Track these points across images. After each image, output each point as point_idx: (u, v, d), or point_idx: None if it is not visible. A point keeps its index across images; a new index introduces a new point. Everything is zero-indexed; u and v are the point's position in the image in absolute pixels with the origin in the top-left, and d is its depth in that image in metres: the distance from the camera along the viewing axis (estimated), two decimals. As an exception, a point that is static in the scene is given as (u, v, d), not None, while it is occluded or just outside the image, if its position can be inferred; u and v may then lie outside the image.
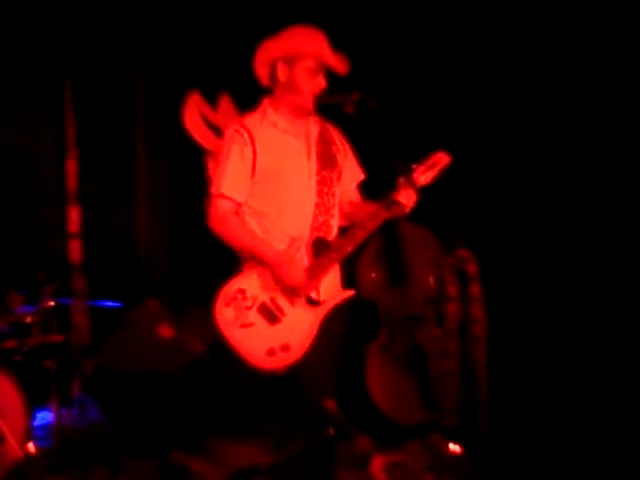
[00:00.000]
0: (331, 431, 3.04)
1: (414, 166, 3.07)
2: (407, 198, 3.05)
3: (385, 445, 3.89)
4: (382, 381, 4.43)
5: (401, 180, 3.06)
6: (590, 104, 4.19)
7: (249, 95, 3.33)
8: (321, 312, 3.03)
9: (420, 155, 3.14)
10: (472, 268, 3.48)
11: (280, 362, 2.98)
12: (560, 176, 4.30)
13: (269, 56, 3.11)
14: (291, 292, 3.00)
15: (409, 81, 4.70)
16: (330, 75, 3.15)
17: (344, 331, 3.24)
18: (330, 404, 3.07)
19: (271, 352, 2.96)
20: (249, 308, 2.99)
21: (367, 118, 3.04)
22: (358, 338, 4.45)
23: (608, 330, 4.11)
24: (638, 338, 4.03)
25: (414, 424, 4.25)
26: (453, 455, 3.62)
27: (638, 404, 3.94)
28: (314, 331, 3.00)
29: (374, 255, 4.51)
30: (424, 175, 3.04)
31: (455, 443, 3.63)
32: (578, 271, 4.25)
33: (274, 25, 3.23)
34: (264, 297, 3.01)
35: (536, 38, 4.33)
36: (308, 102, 3.09)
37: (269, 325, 2.99)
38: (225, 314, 2.98)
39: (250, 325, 2.98)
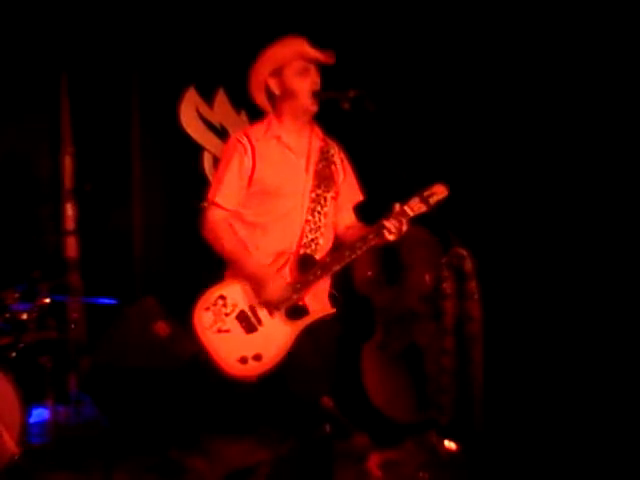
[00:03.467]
0: (328, 429, 3.05)
1: (410, 199, 3.04)
2: (395, 227, 3.03)
3: (382, 442, 3.91)
4: (378, 379, 4.44)
5: (396, 207, 3.04)
6: (585, 103, 4.20)
7: (245, 92, 3.33)
8: (299, 327, 3.04)
9: (415, 155, 3.14)
10: (469, 266, 3.50)
11: (251, 371, 2.99)
12: (556, 175, 4.31)
13: (259, 79, 3.12)
14: (271, 305, 3.02)
15: (406, 79, 4.70)
16: (327, 74, 3.15)
17: (339, 330, 3.24)
18: (327, 402, 3.07)
19: (243, 360, 2.98)
20: (228, 314, 3.01)
21: (364, 116, 3.03)
22: (354, 336, 4.46)
23: (605, 328, 4.11)
24: (635, 336, 4.04)
25: (410, 422, 4.26)
26: (449, 452, 3.64)
27: (634, 402, 3.95)
28: (288, 344, 3.01)
29: (370, 253, 4.52)
30: (419, 205, 3.02)
31: (451, 440, 3.64)
32: (575, 269, 4.25)
33: (268, 22, 3.24)
34: (244, 306, 3.03)
35: (533, 39, 4.33)
36: (307, 102, 3.08)
37: (245, 333, 3.01)
38: (203, 318, 3.00)
39: (227, 331, 3.00)
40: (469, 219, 4.06)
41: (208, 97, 5.23)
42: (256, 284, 3.02)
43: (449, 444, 3.66)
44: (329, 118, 3.14)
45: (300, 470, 3.03)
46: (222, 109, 5.24)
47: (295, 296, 3.02)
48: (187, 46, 5.06)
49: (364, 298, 4.53)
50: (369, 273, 4.54)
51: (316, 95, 3.07)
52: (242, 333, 3.00)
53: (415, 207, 3.01)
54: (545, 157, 4.35)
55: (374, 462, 3.72)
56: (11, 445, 3.64)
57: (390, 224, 2.99)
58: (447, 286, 3.69)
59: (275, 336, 3.01)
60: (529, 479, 3.70)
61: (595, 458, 3.71)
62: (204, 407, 4.23)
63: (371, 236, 3.01)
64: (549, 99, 4.33)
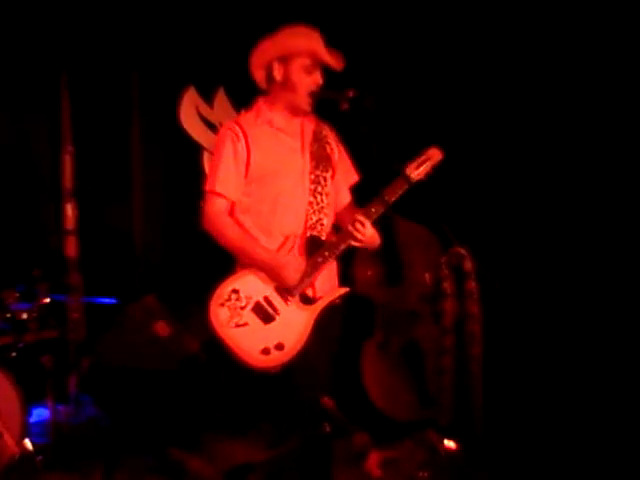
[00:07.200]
0: (328, 428, 3.05)
1: (407, 162, 3.07)
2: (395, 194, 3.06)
3: (381, 441, 3.91)
4: (378, 378, 4.44)
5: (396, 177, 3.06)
6: (585, 100, 4.20)
7: (244, 91, 3.33)
8: (315, 310, 3.04)
9: (415, 152, 3.14)
10: (468, 265, 3.50)
11: (275, 361, 2.99)
12: (556, 173, 4.32)
13: (264, 58, 3.11)
14: (285, 291, 3.01)
15: (405, 78, 4.71)
16: (326, 72, 3.15)
17: (339, 329, 3.24)
18: (327, 401, 3.07)
19: (265, 351, 2.97)
20: (243, 308, 3.00)
21: (362, 115, 3.03)
22: (355, 335, 4.46)
23: (604, 328, 4.12)
24: (635, 336, 4.05)
25: (410, 421, 4.26)
26: (448, 451, 3.64)
27: (634, 402, 3.95)
28: (308, 329, 3.01)
29: (370, 253, 4.52)
30: (417, 171, 3.04)
31: (450, 439, 3.65)
32: (574, 268, 4.26)
33: (269, 21, 3.23)
34: (258, 297, 3.02)
35: (532, 35, 4.34)
36: (304, 100, 3.09)
37: (263, 324, 3.00)
38: (220, 314, 2.99)
39: (244, 325, 2.99)
40: (469, 218, 4.07)
41: (208, 96, 5.23)
42: (270, 271, 3.01)
43: (449, 443, 3.66)
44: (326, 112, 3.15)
45: (300, 469, 3.04)
46: (222, 108, 5.25)
47: (307, 280, 3.02)
48: (187, 45, 5.06)
49: (364, 297, 4.53)
50: (369, 272, 4.54)
51: (314, 95, 3.08)
52: (260, 325, 2.99)
53: (413, 172, 3.03)
54: (544, 156, 4.36)
55: (374, 461, 3.73)
56: (11, 445, 3.64)
57: (390, 193, 3.02)
58: (447, 285, 3.68)
59: (294, 323, 3.00)
60: (529, 478, 3.71)
61: (594, 457, 3.71)
62: (204, 406, 4.23)
63: (373, 207, 3.02)
64: (550, 101, 4.34)
